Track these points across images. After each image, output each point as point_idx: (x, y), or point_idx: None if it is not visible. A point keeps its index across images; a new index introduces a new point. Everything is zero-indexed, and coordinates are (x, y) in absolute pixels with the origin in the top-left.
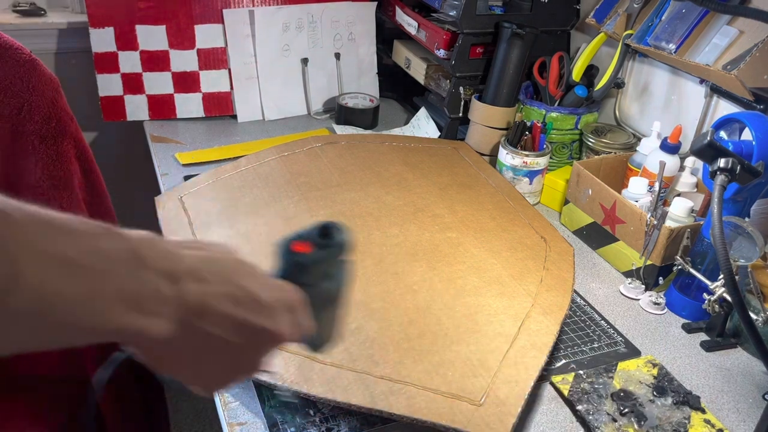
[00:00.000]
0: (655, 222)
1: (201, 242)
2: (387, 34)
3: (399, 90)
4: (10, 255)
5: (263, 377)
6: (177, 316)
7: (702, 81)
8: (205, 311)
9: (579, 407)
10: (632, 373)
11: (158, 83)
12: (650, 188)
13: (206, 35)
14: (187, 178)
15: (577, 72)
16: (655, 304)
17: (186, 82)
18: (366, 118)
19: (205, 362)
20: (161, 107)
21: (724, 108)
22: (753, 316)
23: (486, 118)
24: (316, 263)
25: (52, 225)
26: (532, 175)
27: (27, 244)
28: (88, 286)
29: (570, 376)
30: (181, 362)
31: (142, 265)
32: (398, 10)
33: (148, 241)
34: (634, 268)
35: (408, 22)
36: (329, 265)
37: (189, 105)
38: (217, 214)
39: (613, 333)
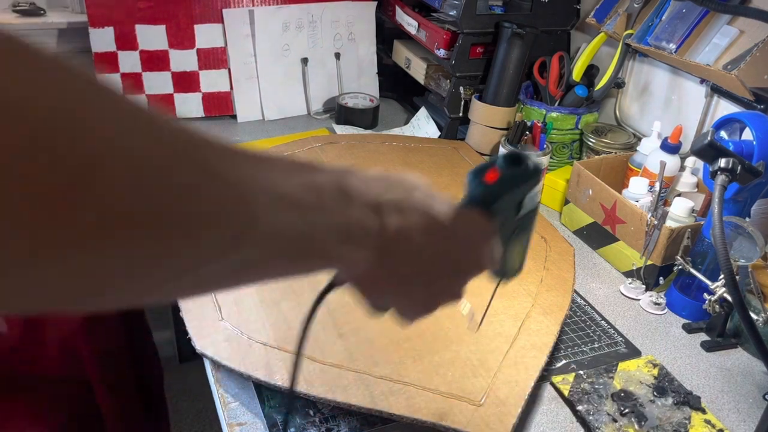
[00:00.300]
0: (656, 222)
1: (395, 175)
2: (387, 34)
3: (399, 90)
4: (251, 197)
5: (262, 377)
6: (379, 247)
7: (702, 81)
8: (405, 241)
9: (579, 407)
10: (632, 374)
11: (158, 83)
12: (651, 188)
13: (206, 35)
14: None
15: (577, 72)
16: (656, 304)
17: (186, 81)
18: (366, 118)
19: (406, 290)
20: (161, 107)
21: (725, 108)
22: (753, 316)
23: (486, 118)
24: (506, 192)
25: (277, 165)
26: None
27: (262, 185)
28: (308, 221)
29: (570, 377)
30: (384, 290)
31: (349, 198)
32: (398, 10)
33: (352, 175)
34: (634, 268)
35: (408, 21)
36: (519, 194)
37: (189, 105)
38: None
39: (614, 333)
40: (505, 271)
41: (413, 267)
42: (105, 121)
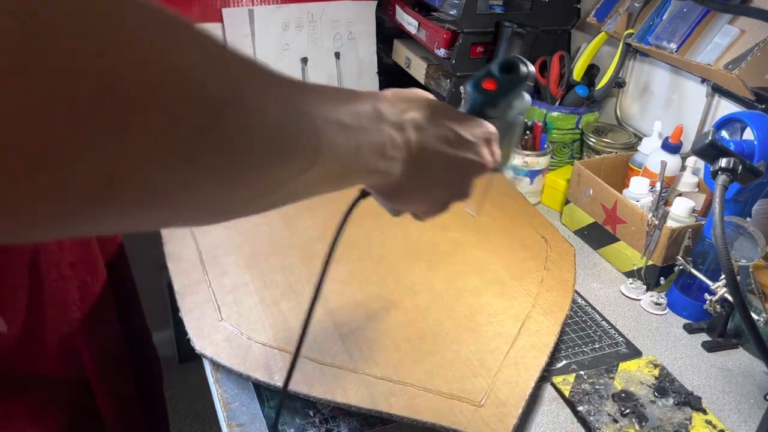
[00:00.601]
0: (657, 222)
1: (408, 92)
2: (387, 34)
3: None
4: (317, 126)
5: (261, 378)
6: (406, 158)
7: (703, 80)
8: (426, 152)
9: (580, 408)
10: (633, 374)
11: None
12: (651, 188)
13: None
14: None
15: (577, 71)
16: (657, 304)
17: None
18: None
19: (427, 192)
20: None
21: (726, 107)
22: (754, 316)
23: None
24: (503, 97)
25: (329, 95)
26: (532, 174)
27: (323, 114)
28: (354, 141)
29: (571, 377)
30: (406, 196)
31: (382, 120)
32: (398, 10)
33: (380, 98)
34: (635, 268)
35: (408, 21)
36: (513, 97)
37: None
38: None
39: (614, 333)
40: (499, 165)
41: (431, 174)
42: (229, 75)
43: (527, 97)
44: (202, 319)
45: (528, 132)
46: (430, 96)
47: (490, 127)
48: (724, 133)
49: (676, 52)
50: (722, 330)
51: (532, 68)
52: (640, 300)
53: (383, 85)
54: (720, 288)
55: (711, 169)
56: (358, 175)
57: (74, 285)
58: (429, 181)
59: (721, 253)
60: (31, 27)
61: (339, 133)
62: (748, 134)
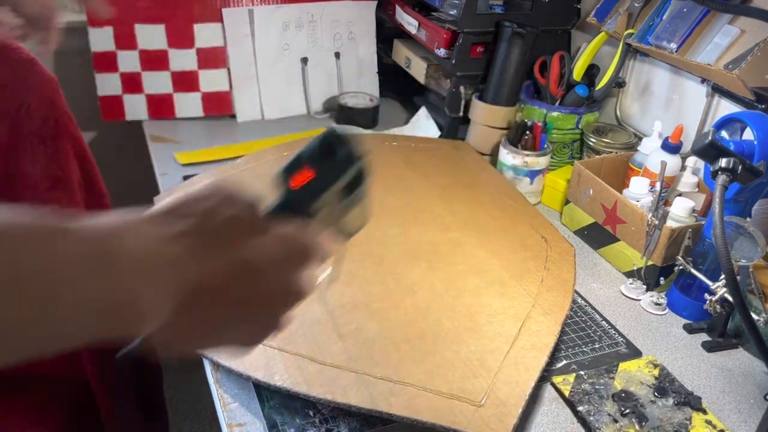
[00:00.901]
0: (657, 222)
1: (189, 199)
2: (387, 34)
3: (399, 90)
4: None
5: (261, 378)
6: (173, 301)
7: (703, 80)
8: (203, 291)
9: (580, 408)
10: (633, 374)
11: (157, 83)
12: (651, 188)
13: (205, 34)
14: (186, 177)
15: (578, 71)
16: (656, 304)
17: (185, 81)
18: (366, 118)
19: (220, 338)
20: (160, 107)
21: (726, 108)
22: (754, 316)
23: (487, 118)
24: (324, 189)
25: (5, 236)
26: (532, 174)
27: None
28: (44, 303)
29: (571, 377)
30: (193, 344)
31: (113, 264)
32: (398, 10)
33: (121, 229)
34: (635, 268)
35: (408, 21)
36: (341, 182)
37: (188, 104)
38: None
39: (614, 333)
40: (348, 235)
41: (221, 318)
42: None
43: (364, 170)
44: None
45: (528, 132)
46: (229, 192)
47: (306, 238)
48: (724, 133)
49: (676, 52)
50: (722, 330)
51: (353, 146)
52: (640, 300)
53: (383, 85)
54: (720, 288)
55: (711, 169)
56: (76, 339)
57: None
58: (219, 326)
59: (721, 253)
60: None
61: (13, 295)
62: (748, 134)
